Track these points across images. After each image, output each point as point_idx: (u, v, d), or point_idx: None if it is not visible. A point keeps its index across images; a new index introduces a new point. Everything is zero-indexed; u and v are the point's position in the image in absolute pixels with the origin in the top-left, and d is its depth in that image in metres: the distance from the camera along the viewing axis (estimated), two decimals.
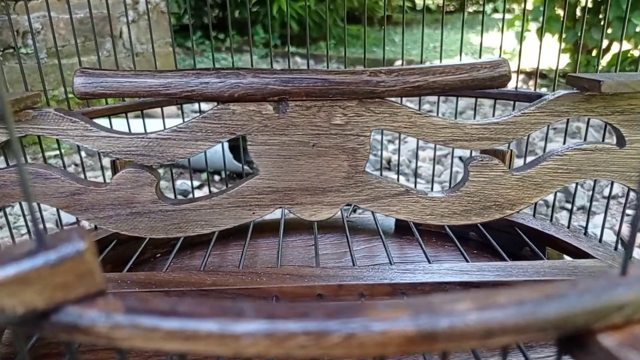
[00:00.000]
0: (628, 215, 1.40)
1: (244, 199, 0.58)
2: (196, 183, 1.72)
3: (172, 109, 2.07)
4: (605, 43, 2.62)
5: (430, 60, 3.96)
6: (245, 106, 0.54)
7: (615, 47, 2.78)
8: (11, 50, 2.06)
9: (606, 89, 0.52)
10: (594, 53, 2.83)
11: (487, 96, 0.75)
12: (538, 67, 0.74)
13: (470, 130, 0.56)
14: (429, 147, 2.08)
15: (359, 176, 0.57)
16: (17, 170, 0.55)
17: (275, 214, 0.65)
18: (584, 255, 0.65)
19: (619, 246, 0.68)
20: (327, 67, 0.74)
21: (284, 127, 0.55)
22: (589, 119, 0.61)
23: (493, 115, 0.71)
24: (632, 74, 0.56)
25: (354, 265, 0.62)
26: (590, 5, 2.58)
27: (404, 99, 0.56)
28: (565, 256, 0.71)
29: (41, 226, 0.74)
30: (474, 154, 0.61)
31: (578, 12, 2.76)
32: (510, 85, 0.62)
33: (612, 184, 0.67)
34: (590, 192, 1.54)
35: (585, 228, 0.72)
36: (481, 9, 0.74)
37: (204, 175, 1.79)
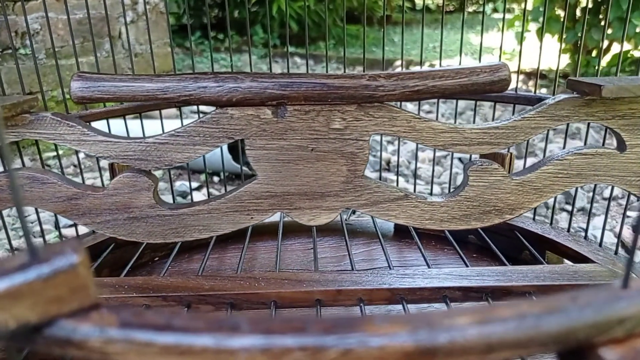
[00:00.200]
0: (628, 217, 1.39)
1: (242, 204, 0.57)
2: (195, 184, 1.72)
3: (171, 110, 2.07)
4: (605, 44, 2.62)
5: (430, 60, 3.95)
6: (243, 110, 0.54)
7: (615, 48, 2.78)
8: (10, 51, 2.06)
9: (607, 94, 0.51)
10: (594, 53, 2.83)
11: (486, 99, 0.74)
12: (538, 68, 0.74)
13: (469, 135, 0.55)
14: (429, 148, 2.08)
15: (358, 181, 0.57)
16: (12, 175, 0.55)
17: (274, 217, 0.65)
18: (584, 259, 0.65)
19: (619, 250, 0.67)
20: (327, 68, 0.74)
21: (283, 132, 0.55)
22: (589, 122, 0.61)
23: (493, 117, 0.70)
24: (632, 78, 0.56)
25: (352, 269, 0.62)
26: (590, 5, 2.57)
27: (406, 101, 0.56)
28: (565, 260, 0.70)
29: (38, 229, 0.73)
30: (473, 157, 0.61)
31: (578, 13, 2.76)
32: (511, 87, 0.62)
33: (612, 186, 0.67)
34: (590, 194, 1.54)
35: (586, 232, 0.72)
36: (481, 9, 0.74)
37: (203, 177, 1.79)
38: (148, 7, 2.72)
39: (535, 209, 0.75)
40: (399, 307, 0.55)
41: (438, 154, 1.98)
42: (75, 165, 1.92)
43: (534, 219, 0.76)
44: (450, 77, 0.53)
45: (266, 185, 0.57)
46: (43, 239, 0.73)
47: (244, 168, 1.53)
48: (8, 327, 0.19)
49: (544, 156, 0.62)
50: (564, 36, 0.69)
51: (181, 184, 1.71)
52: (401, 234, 0.80)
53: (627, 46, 2.57)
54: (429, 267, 0.61)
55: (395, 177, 0.86)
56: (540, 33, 0.62)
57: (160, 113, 0.80)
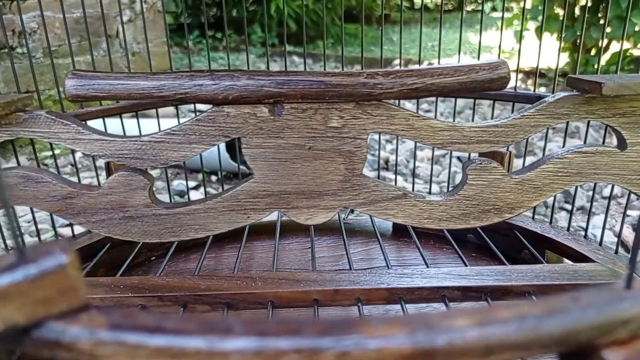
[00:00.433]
0: (628, 216, 1.39)
1: (239, 203, 0.57)
2: (193, 183, 1.72)
3: (169, 108, 2.05)
4: (604, 42, 2.61)
5: (428, 59, 3.95)
6: (240, 109, 0.53)
7: (614, 46, 2.78)
8: (6, 50, 2.05)
9: (607, 91, 0.51)
10: (593, 52, 2.82)
11: (485, 97, 0.74)
12: (537, 66, 0.73)
13: (468, 133, 0.55)
14: (427, 147, 2.08)
15: (356, 179, 0.57)
16: (6, 174, 0.55)
17: (272, 216, 0.64)
18: (584, 258, 0.65)
19: (620, 249, 0.67)
20: (325, 67, 0.73)
21: (280, 130, 0.54)
22: (589, 120, 0.60)
23: (492, 115, 0.70)
24: (633, 76, 0.55)
25: (350, 268, 0.61)
26: (589, 4, 2.57)
27: (404, 99, 0.55)
28: (565, 260, 0.70)
29: (34, 228, 0.73)
30: (472, 156, 0.60)
31: (577, 11, 2.76)
32: (510, 85, 0.62)
33: (612, 185, 0.66)
34: (590, 193, 1.53)
35: (586, 231, 0.71)
36: (480, 7, 0.73)
37: (201, 176, 1.78)
38: (146, 6, 2.71)
39: (534, 208, 0.74)
40: (398, 307, 0.55)
41: (437, 152, 1.97)
42: (73, 164, 1.92)
43: (533, 218, 0.76)
44: (449, 75, 0.53)
45: (263, 184, 0.56)
46: (38, 239, 0.72)
47: (242, 167, 1.53)
48: None
49: (543, 155, 0.62)
50: (563, 35, 0.69)
51: (179, 183, 1.70)
52: (400, 233, 0.80)
53: (626, 45, 2.56)
54: (427, 266, 0.61)
55: (394, 176, 0.85)
56: (539, 32, 0.62)
57: (157, 112, 0.79)
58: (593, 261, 0.63)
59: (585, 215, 1.50)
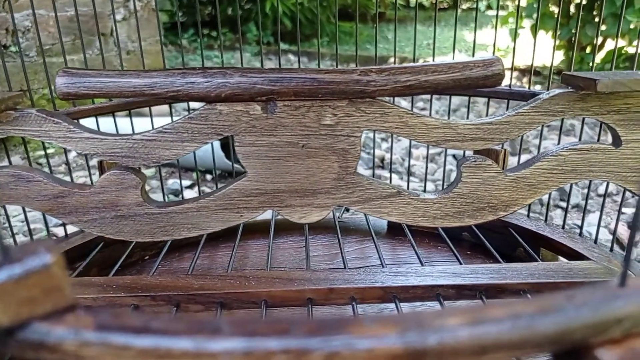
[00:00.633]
0: (624, 213, 1.39)
1: (232, 202, 0.56)
2: (188, 182, 1.71)
3: (164, 107, 2.04)
4: (599, 40, 2.62)
5: (423, 57, 3.95)
6: (232, 106, 0.53)
7: (609, 44, 2.78)
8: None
9: (602, 88, 0.51)
10: (588, 50, 2.83)
11: (480, 94, 0.74)
12: (532, 64, 0.73)
13: (463, 131, 0.55)
14: (422, 145, 2.07)
15: (350, 177, 0.56)
16: None
17: (266, 215, 0.64)
18: (579, 256, 0.64)
19: (615, 247, 0.67)
20: (319, 65, 0.73)
21: (273, 128, 0.54)
22: (583, 117, 0.60)
23: (487, 113, 0.70)
24: (628, 72, 0.55)
25: (345, 267, 0.61)
26: (584, 2, 2.57)
27: (398, 96, 0.55)
28: (560, 257, 0.70)
29: (25, 229, 0.72)
30: (467, 154, 0.60)
31: (572, 9, 2.76)
32: (504, 83, 0.61)
33: (607, 182, 0.66)
34: (585, 191, 1.53)
35: (581, 228, 0.71)
36: (475, 5, 0.73)
37: (196, 175, 1.78)
38: (140, 4, 2.70)
39: (529, 205, 0.74)
40: (392, 305, 0.55)
41: (432, 151, 1.97)
42: (67, 164, 1.91)
43: (528, 215, 0.76)
44: (443, 72, 0.52)
45: (256, 183, 0.56)
46: (31, 238, 0.72)
47: (236, 165, 1.52)
48: None
49: (538, 153, 0.62)
50: (558, 32, 0.68)
51: (174, 182, 1.70)
52: (395, 231, 0.80)
53: (621, 42, 2.57)
54: (422, 265, 0.61)
55: (389, 175, 0.85)
56: (534, 29, 0.62)
57: (150, 110, 0.79)
58: (588, 259, 0.63)
59: (580, 213, 1.50)
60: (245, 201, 0.56)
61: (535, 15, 2.82)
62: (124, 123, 0.79)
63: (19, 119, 0.53)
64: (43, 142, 0.61)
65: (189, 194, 1.62)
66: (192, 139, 0.54)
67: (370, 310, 0.62)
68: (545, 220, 0.74)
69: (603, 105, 0.54)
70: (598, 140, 0.60)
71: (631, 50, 2.59)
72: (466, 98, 0.76)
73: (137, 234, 0.57)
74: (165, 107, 0.83)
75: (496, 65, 0.53)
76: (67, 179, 0.70)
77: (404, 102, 2.47)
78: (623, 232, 1.26)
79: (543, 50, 1.33)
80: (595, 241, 0.68)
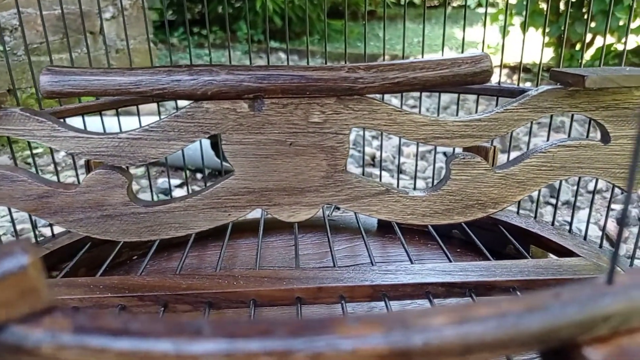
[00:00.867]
0: (613, 210, 1.39)
1: (219, 201, 0.56)
2: (178, 181, 1.70)
3: (153, 106, 2.03)
4: (588, 37, 2.63)
5: (414, 55, 3.95)
6: (219, 104, 0.52)
7: (598, 41, 2.79)
8: None
9: (590, 84, 0.51)
10: (578, 47, 2.84)
11: (469, 92, 0.73)
12: (521, 61, 0.73)
13: (451, 128, 0.54)
14: (413, 143, 2.07)
15: (339, 175, 0.56)
16: None
17: (255, 214, 0.63)
18: (569, 253, 0.64)
19: (604, 243, 0.67)
20: (308, 63, 0.72)
21: (260, 126, 0.53)
22: (572, 114, 0.60)
23: (476, 110, 0.69)
24: (616, 68, 0.55)
25: (334, 266, 0.61)
26: None
27: (388, 94, 0.55)
28: (550, 254, 0.70)
29: (17, 228, 0.72)
30: (457, 151, 0.60)
31: (562, 6, 2.77)
32: (494, 80, 0.61)
33: (596, 179, 0.66)
34: (575, 187, 1.54)
35: (570, 225, 0.71)
36: (464, 3, 0.73)
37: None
38: (129, 2, 2.69)
39: (519, 202, 0.74)
40: (382, 304, 0.54)
41: (422, 148, 1.97)
42: (56, 163, 1.89)
43: (518, 212, 0.76)
44: (432, 69, 0.52)
45: (243, 181, 0.55)
46: (17, 239, 0.71)
47: (225, 164, 1.51)
48: None
49: (527, 150, 0.61)
50: (547, 30, 0.68)
51: (163, 181, 1.69)
52: (385, 229, 0.80)
53: (610, 39, 2.58)
54: (412, 262, 0.60)
55: (379, 173, 0.85)
56: (524, 27, 0.62)
57: (138, 109, 0.78)
58: (578, 255, 0.63)
59: (570, 210, 1.50)
60: (233, 200, 0.56)
61: (524, 13, 2.83)
62: (111, 122, 0.78)
63: (3, 118, 0.52)
64: (29, 142, 0.60)
65: (178, 193, 1.61)
66: (178, 138, 0.53)
67: (359, 309, 0.62)
68: (535, 217, 0.74)
69: (591, 102, 0.54)
70: (587, 136, 0.60)
71: (620, 47, 2.60)
72: (456, 95, 0.76)
73: (123, 233, 0.57)
74: (154, 106, 0.83)
75: (484, 62, 0.52)
76: (55, 178, 0.69)
77: (394, 100, 2.47)
78: (612, 228, 1.26)
79: (533, 47, 1.33)
80: (585, 238, 0.68)
